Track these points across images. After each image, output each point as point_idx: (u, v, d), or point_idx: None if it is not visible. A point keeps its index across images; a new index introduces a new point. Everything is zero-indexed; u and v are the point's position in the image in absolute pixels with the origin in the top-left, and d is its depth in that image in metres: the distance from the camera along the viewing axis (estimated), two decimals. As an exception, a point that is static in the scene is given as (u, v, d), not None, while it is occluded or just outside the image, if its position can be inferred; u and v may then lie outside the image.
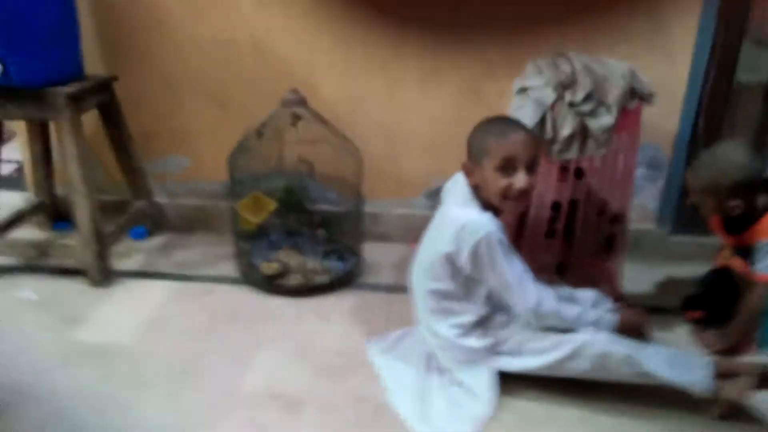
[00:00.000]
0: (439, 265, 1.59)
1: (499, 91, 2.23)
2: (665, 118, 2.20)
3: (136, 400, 1.58)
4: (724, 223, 1.85)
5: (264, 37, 2.26)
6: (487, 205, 1.58)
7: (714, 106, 2.19)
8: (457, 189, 1.64)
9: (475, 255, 1.51)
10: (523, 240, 1.98)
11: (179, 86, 2.35)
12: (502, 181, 1.52)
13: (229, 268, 2.22)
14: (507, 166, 1.52)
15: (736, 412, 1.54)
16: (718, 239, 1.97)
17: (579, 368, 1.54)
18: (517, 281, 1.54)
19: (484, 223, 1.51)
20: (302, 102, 2.11)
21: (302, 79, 2.27)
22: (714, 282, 1.94)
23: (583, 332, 1.55)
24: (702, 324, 1.92)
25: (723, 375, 1.54)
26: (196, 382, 1.65)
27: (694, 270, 2.16)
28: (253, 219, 2.14)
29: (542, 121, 1.75)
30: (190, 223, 2.53)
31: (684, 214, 2.32)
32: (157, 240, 2.46)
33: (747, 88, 2.20)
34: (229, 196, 2.18)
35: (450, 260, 1.56)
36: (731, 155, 1.71)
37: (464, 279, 1.59)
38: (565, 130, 1.75)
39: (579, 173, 1.88)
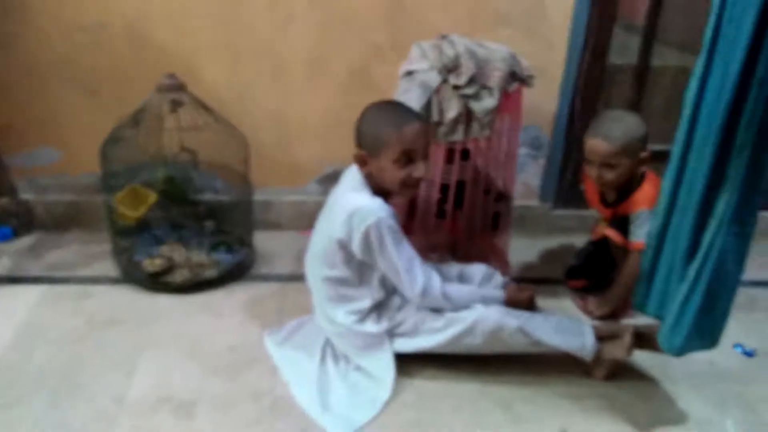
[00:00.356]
0: (332, 251, 1.57)
1: (388, 74, 2.22)
2: (544, 99, 2.29)
3: (11, 418, 1.45)
4: (601, 196, 1.96)
5: (137, 19, 2.10)
6: (378, 191, 1.57)
7: (589, 87, 2.31)
8: (349, 175, 1.62)
9: (365, 241, 1.51)
10: (414, 221, 2.00)
11: (44, 73, 2.15)
12: (400, 172, 1.53)
13: (108, 268, 2.08)
14: (405, 158, 1.52)
15: (618, 371, 1.65)
16: (594, 213, 2.09)
17: (474, 343, 1.57)
18: (406, 268, 1.55)
19: (375, 209, 1.50)
20: (180, 87, 1.99)
21: (182, 64, 2.14)
22: (593, 253, 2.06)
23: (475, 309, 1.59)
24: (584, 292, 2.04)
25: (604, 338, 1.64)
26: (77, 393, 1.53)
27: (575, 242, 2.30)
28: (131, 213, 2.01)
29: (428, 104, 1.77)
30: (63, 221, 2.33)
31: (564, 190, 2.45)
32: (24, 241, 2.25)
33: (619, 70, 2.34)
34: (104, 190, 2.03)
35: (342, 246, 1.55)
36: (630, 116, 1.81)
37: (358, 264, 1.58)
38: (451, 113, 1.77)
39: (465, 155, 1.92)
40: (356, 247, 1.52)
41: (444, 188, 1.94)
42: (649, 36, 2.29)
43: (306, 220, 2.30)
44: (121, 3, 2.08)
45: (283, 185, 2.39)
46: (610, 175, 1.80)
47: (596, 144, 1.78)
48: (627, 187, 1.86)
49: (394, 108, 1.59)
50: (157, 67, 2.11)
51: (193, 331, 1.78)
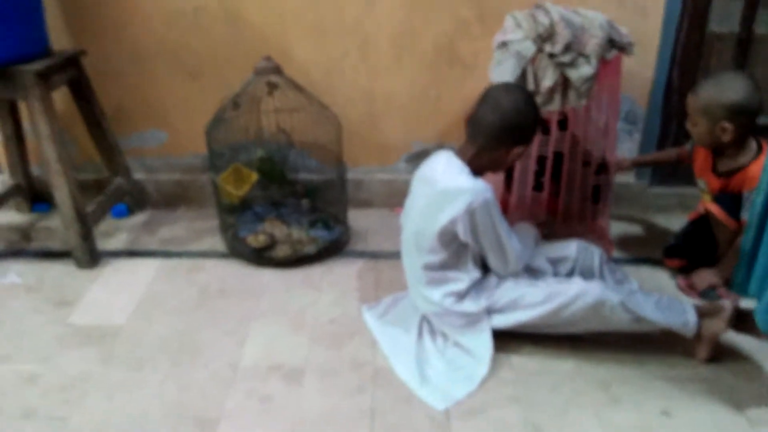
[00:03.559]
0: (436, 238, 1.59)
1: (475, 49, 2.23)
2: (639, 71, 2.22)
3: (141, 380, 1.59)
4: (714, 165, 1.90)
5: (233, 2, 2.20)
6: (477, 170, 1.61)
7: (687, 57, 2.23)
8: (442, 160, 1.64)
9: (472, 222, 1.54)
10: (511, 194, 2.01)
11: (149, 58, 2.29)
12: (514, 151, 1.61)
13: (215, 242, 2.22)
14: None
15: (720, 353, 1.63)
16: (695, 189, 2.03)
17: (573, 318, 1.57)
18: (506, 243, 1.59)
19: (481, 190, 1.53)
20: (277, 70, 2.07)
21: (274, 45, 2.23)
22: (692, 232, 2.01)
23: (575, 283, 1.59)
24: (681, 272, 2.00)
25: (704, 315, 1.62)
26: (196, 358, 1.66)
27: (673, 220, 2.26)
28: (235, 191, 2.13)
29: (523, 74, 1.76)
30: (171, 199, 2.50)
31: (662, 166, 2.37)
32: (139, 217, 2.43)
33: (719, 38, 2.23)
34: (210, 169, 2.16)
35: (445, 231, 1.58)
36: (733, 79, 1.76)
37: (456, 247, 1.61)
38: (547, 82, 1.77)
39: (562, 125, 1.90)
40: (462, 228, 1.55)
41: (541, 160, 1.93)
42: (753, 1, 2.17)
43: (396, 197, 2.36)
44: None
45: (372, 164, 2.45)
46: (693, 130, 1.84)
47: (687, 97, 1.83)
48: (739, 157, 1.81)
49: (528, 97, 1.64)
50: (252, 48, 2.21)
51: (296, 304, 1.88)
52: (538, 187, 1.98)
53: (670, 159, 2.16)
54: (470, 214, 1.53)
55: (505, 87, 1.64)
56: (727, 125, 1.75)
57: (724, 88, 1.74)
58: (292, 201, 2.29)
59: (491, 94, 1.61)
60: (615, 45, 1.82)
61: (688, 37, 2.20)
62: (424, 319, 1.73)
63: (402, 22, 2.22)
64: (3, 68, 1.86)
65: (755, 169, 1.77)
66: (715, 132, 1.78)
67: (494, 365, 1.60)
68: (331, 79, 2.30)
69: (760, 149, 1.80)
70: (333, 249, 2.16)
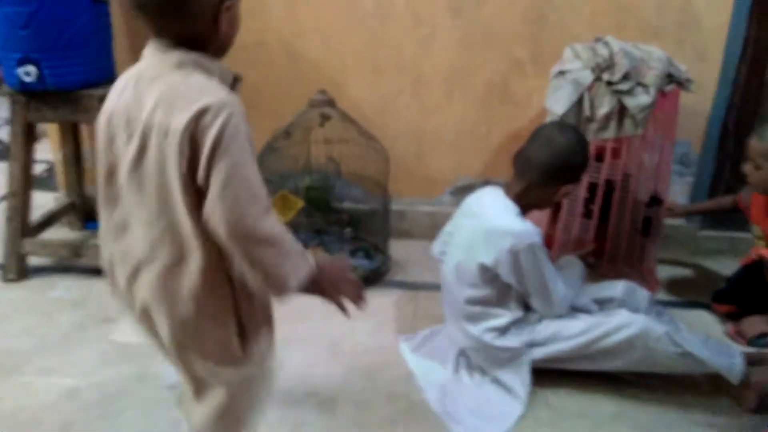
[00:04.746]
0: (477, 273, 1.58)
1: (528, 89, 2.24)
2: (695, 115, 2.19)
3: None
4: None
5: (293, 39, 2.27)
6: (525, 207, 1.59)
7: (746, 102, 2.18)
8: (491, 197, 1.63)
9: (516, 264, 1.51)
10: (559, 221, 1.99)
11: (209, 88, 2.37)
12: (567, 189, 1.58)
13: (258, 267, 2.24)
14: None
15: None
16: (747, 234, 1.96)
17: (617, 348, 1.51)
18: (552, 288, 1.55)
19: (528, 233, 1.51)
20: (331, 103, 2.13)
21: (330, 80, 2.28)
22: (745, 278, 1.93)
23: (618, 314, 1.55)
24: (730, 318, 1.92)
25: (753, 363, 1.55)
26: (232, 379, 1.67)
27: (723, 264, 2.18)
28: (281, 218, 2.16)
29: (579, 101, 1.76)
30: (219, 222, 2.55)
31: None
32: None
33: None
34: (259, 196, 2.20)
35: (490, 270, 1.56)
36: None
37: (500, 285, 1.58)
38: (603, 109, 1.75)
39: (615, 153, 1.88)
40: (505, 270, 1.53)
41: (592, 188, 1.90)
42: (815, 48, 2.12)
43: (438, 230, 2.34)
44: (279, 23, 2.26)
45: (417, 196, 2.46)
46: (753, 175, 1.77)
47: (751, 139, 1.77)
48: None
49: (580, 137, 1.61)
50: (308, 83, 2.27)
51: (333, 331, 1.87)
52: (587, 213, 1.95)
53: (724, 208, 2.08)
54: (514, 255, 1.50)
55: (559, 126, 1.62)
56: None
57: None
58: (335, 229, 2.32)
59: (544, 132, 1.59)
60: (673, 79, 1.80)
61: (747, 83, 2.16)
62: (462, 353, 1.70)
63: (456, 61, 2.25)
64: (71, 92, 1.97)
65: None
66: None
67: (532, 404, 1.55)
68: (383, 115, 2.34)
69: None
70: (373, 278, 2.16)
